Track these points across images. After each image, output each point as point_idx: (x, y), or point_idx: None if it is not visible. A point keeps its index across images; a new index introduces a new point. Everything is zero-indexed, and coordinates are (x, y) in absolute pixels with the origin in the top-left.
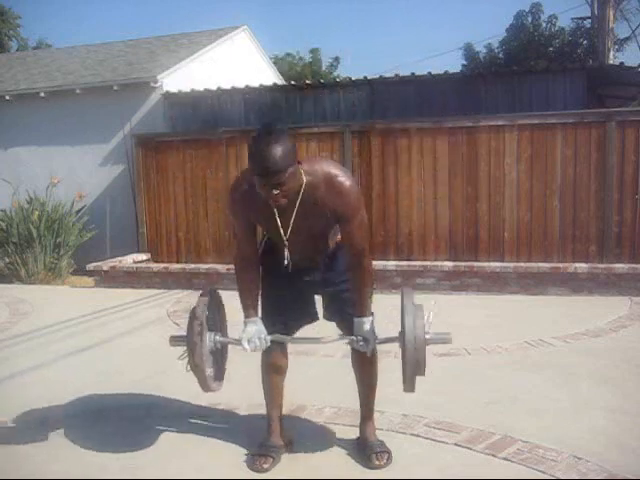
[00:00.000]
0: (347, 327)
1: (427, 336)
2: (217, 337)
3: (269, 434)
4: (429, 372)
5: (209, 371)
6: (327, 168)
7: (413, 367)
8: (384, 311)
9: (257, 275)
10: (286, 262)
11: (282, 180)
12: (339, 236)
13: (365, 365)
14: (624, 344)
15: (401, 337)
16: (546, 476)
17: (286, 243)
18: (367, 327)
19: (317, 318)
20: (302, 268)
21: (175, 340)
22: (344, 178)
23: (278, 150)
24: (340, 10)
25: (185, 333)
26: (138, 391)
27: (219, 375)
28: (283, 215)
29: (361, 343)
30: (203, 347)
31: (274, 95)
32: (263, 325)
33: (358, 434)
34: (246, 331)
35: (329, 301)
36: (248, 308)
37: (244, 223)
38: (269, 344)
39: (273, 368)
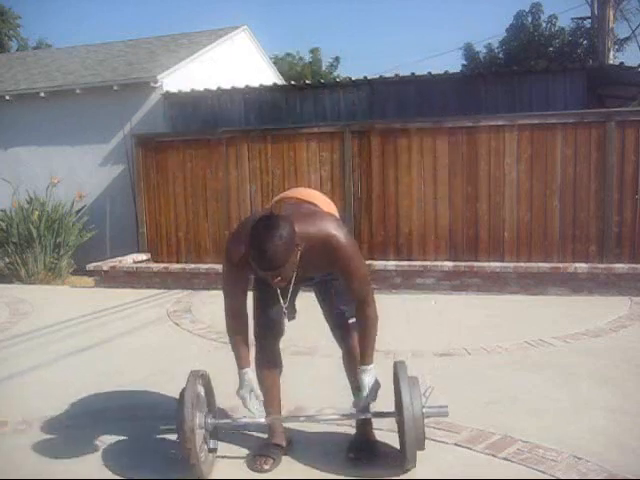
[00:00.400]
0: (334, 322)
1: (424, 410)
2: (209, 420)
3: (270, 434)
4: (429, 372)
5: (202, 457)
6: (322, 228)
7: (413, 445)
8: (384, 312)
9: (247, 325)
10: (285, 318)
11: (282, 273)
12: None
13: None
14: (624, 344)
15: (398, 413)
16: (546, 476)
17: (285, 311)
18: (367, 379)
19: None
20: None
21: (166, 426)
22: (339, 237)
23: (278, 246)
24: (340, 10)
25: (177, 419)
26: (138, 391)
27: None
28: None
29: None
30: (195, 441)
31: (274, 95)
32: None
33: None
34: (244, 386)
35: (319, 292)
36: (240, 359)
37: (237, 278)
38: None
39: (268, 365)
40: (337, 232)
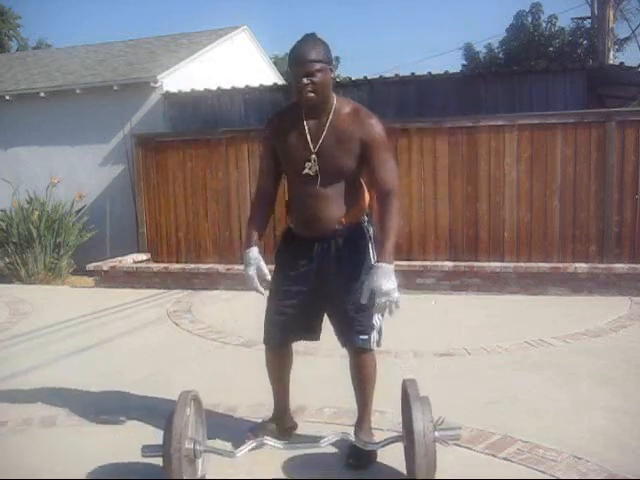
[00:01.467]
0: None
1: (436, 434)
2: (198, 447)
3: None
4: (429, 372)
5: None
6: (356, 104)
7: (423, 472)
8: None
9: (268, 212)
10: (308, 171)
11: (312, 70)
12: (366, 199)
13: (362, 370)
14: (624, 344)
15: (407, 438)
16: (546, 476)
17: (314, 150)
18: (380, 275)
19: (317, 339)
20: (314, 239)
21: (150, 451)
22: (372, 113)
23: (312, 45)
24: (340, 10)
25: (162, 438)
26: (138, 391)
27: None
28: (314, 133)
29: (366, 295)
30: (182, 470)
31: (274, 95)
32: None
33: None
34: (249, 264)
35: (336, 322)
36: (246, 237)
37: (269, 153)
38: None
39: (276, 363)
40: (372, 113)
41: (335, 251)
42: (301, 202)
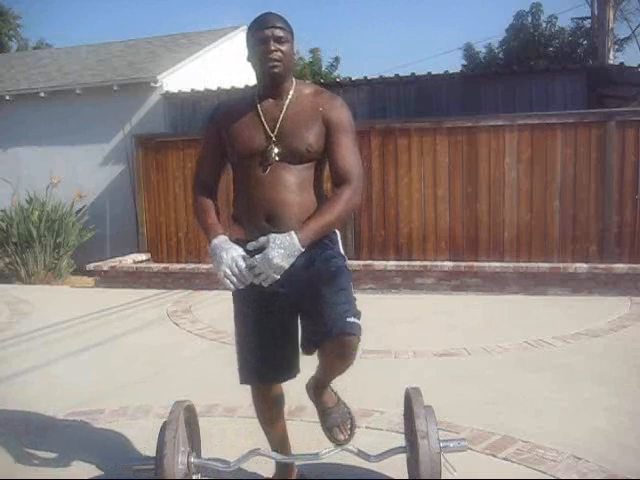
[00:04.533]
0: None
1: (442, 445)
2: (192, 459)
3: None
4: (429, 372)
5: None
6: (320, 87)
7: None
8: (384, 312)
9: (215, 201)
10: (269, 159)
11: (280, 35)
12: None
13: (348, 359)
14: (624, 344)
15: (411, 450)
16: (546, 476)
17: (273, 136)
18: (282, 246)
19: (296, 373)
20: (273, 231)
21: (142, 464)
22: (336, 95)
23: (277, 15)
24: (340, 10)
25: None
26: (138, 391)
27: None
28: (270, 116)
29: (254, 264)
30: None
31: None
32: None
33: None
34: (218, 258)
35: (312, 314)
36: (210, 227)
37: (215, 140)
38: (246, 271)
39: (266, 402)
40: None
41: (305, 252)
42: (254, 195)
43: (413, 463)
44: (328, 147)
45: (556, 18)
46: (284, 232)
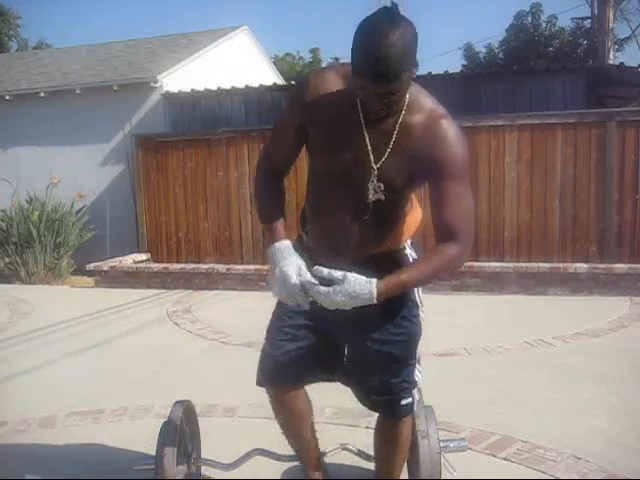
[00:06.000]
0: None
1: (442, 444)
2: (192, 459)
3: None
4: (429, 372)
5: None
6: (434, 103)
7: None
8: None
9: (284, 193)
10: (371, 197)
11: (395, 90)
12: (415, 218)
13: (399, 437)
14: (624, 344)
15: (411, 450)
16: (546, 476)
17: (375, 168)
18: (358, 285)
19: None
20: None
21: (142, 464)
22: (454, 125)
23: (400, 48)
24: (340, 10)
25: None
26: (138, 391)
27: None
28: (374, 134)
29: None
30: None
31: (274, 95)
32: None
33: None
34: (279, 267)
35: (358, 375)
36: (275, 228)
37: (300, 120)
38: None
39: (289, 412)
40: (453, 120)
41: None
42: (331, 226)
43: (413, 463)
44: (431, 194)
45: (556, 18)
46: (353, 259)
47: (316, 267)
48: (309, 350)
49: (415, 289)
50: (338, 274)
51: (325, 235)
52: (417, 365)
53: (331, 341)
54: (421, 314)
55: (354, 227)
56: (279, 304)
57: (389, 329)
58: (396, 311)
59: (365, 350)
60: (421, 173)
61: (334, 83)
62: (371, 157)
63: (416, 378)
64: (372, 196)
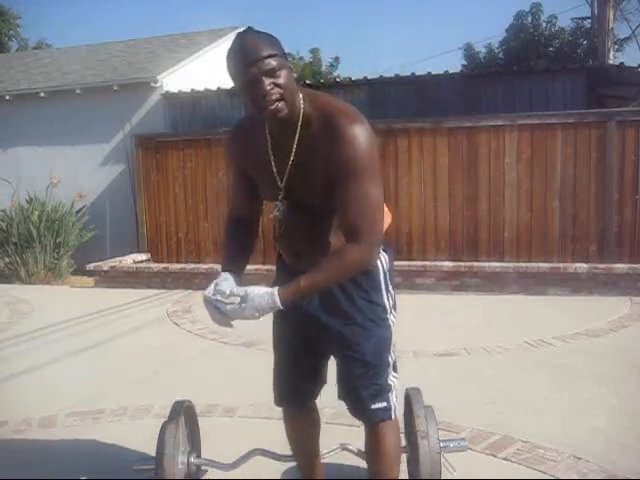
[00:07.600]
0: (355, 409)
1: (442, 444)
2: (192, 459)
3: None
4: (429, 372)
5: None
6: (328, 101)
7: None
8: None
9: (249, 241)
10: (278, 230)
11: (273, 66)
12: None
13: (380, 444)
14: (624, 344)
15: (411, 450)
16: (546, 476)
17: (281, 187)
18: (260, 296)
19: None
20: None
21: (142, 464)
22: (348, 119)
23: (257, 36)
24: (340, 10)
25: (153, 455)
26: (138, 391)
27: None
28: (279, 154)
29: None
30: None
31: None
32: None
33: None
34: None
35: (340, 378)
36: (222, 260)
37: (237, 169)
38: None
39: (297, 427)
40: (349, 114)
41: (337, 287)
42: (280, 237)
43: (413, 463)
44: (336, 194)
45: (556, 18)
46: (308, 265)
47: (219, 287)
48: (303, 363)
49: (385, 294)
50: (240, 291)
51: (281, 245)
52: (390, 369)
53: (314, 350)
54: (391, 318)
55: (296, 235)
56: (273, 329)
57: (356, 333)
58: (364, 315)
59: (335, 355)
60: (327, 178)
61: (248, 126)
62: (276, 177)
63: (390, 382)
64: (273, 214)
